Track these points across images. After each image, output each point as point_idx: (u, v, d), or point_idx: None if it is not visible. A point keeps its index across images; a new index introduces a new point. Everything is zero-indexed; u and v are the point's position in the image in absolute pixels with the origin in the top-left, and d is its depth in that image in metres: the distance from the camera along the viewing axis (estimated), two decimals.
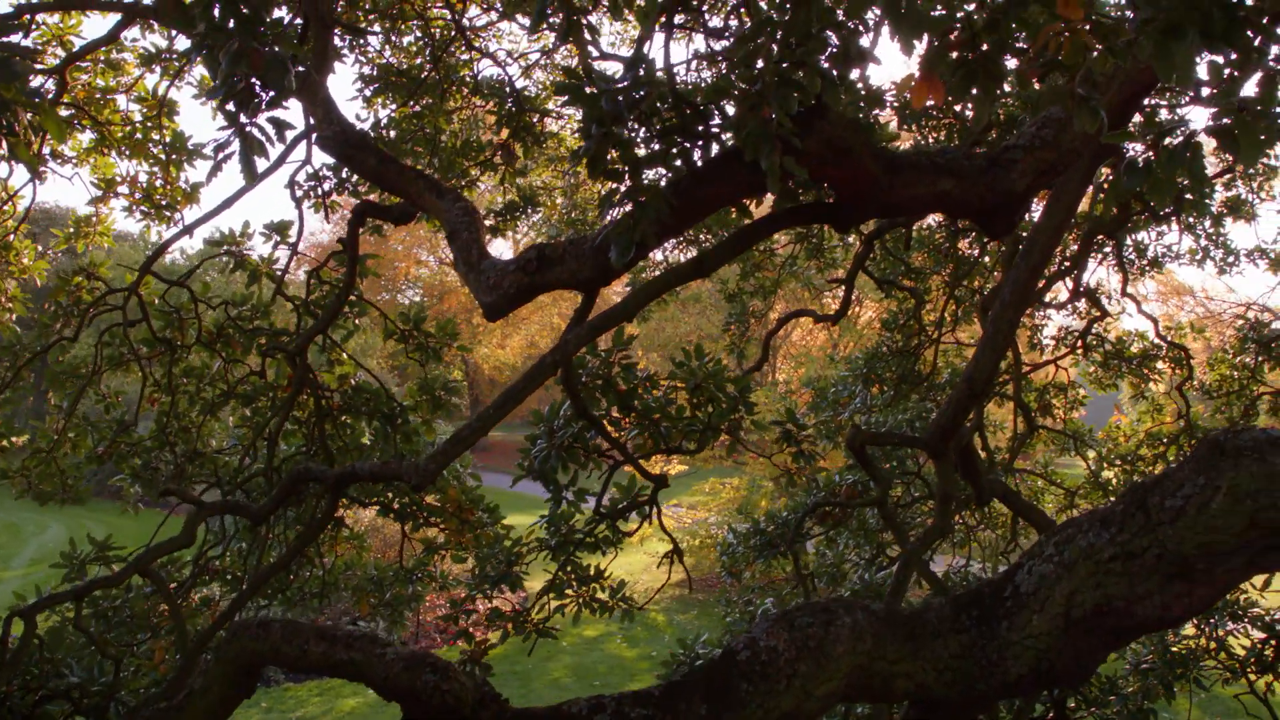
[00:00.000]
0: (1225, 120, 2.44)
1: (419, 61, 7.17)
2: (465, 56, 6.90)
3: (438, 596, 8.20)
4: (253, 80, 2.81)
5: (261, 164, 3.33)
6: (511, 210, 7.03)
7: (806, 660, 2.47)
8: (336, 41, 6.84)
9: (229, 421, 6.32)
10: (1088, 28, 2.42)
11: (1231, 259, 9.84)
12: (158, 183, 6.18)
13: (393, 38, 6.92)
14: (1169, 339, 9.38)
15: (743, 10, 4.47)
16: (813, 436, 5.60)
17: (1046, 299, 9.68)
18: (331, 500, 3.91)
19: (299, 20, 5.03)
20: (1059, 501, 10.91)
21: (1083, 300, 9.40)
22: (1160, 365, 9.92)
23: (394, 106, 6.73)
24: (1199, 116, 2.69)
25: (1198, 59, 2.44)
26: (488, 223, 7.10)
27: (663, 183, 3.91)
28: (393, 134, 6.68)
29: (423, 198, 4.68)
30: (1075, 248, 9.02)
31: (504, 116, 6.48)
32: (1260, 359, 9.36)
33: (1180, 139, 2.44)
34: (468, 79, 6.93)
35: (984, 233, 4.41)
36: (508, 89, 6.50)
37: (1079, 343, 9.88)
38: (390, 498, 6.18)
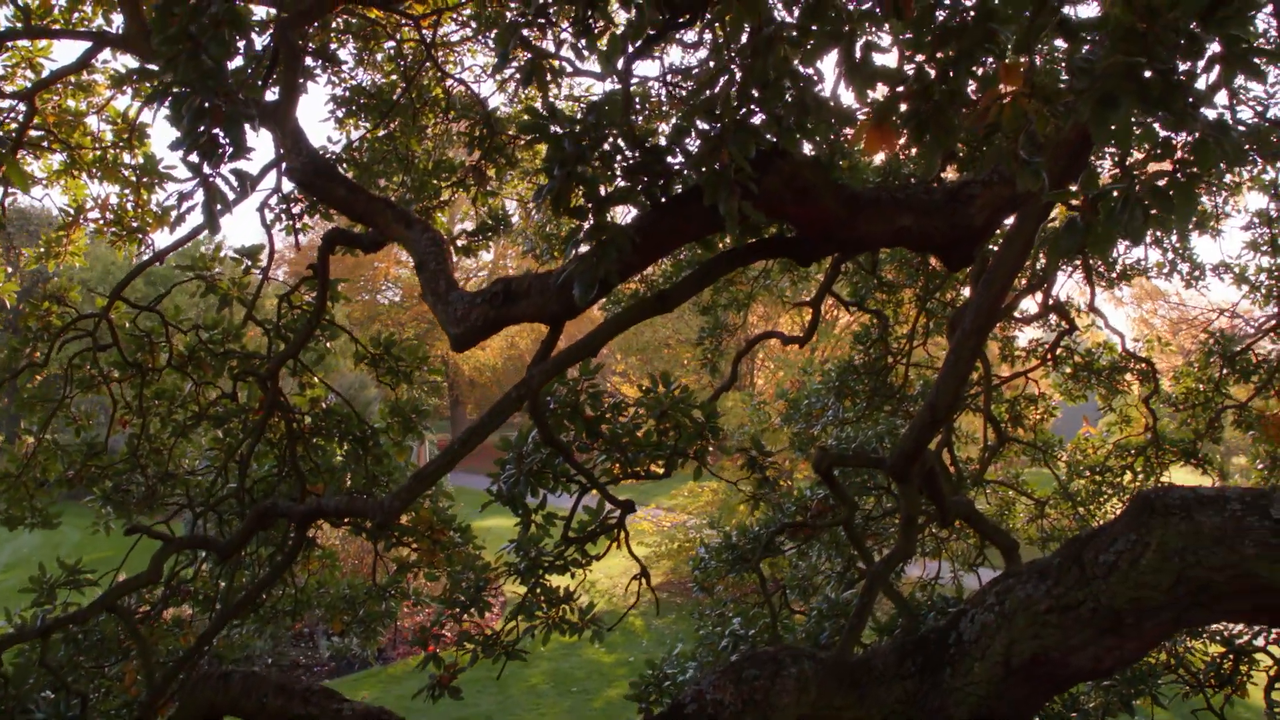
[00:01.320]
0: (1161, 181, 2.51)
1: (393, 78, 7.20)
2: (437, 74, 6.94)
3: (415, 604, 8.23)
4: (216, 131, 2.85)
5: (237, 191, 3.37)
6: (482, 231, 7.08)
7: (752, 713, 2.54)
8: (309, 61, 6.87)
9: (201, 442, 6.33)
10: (1028, 94, 2.49)
11: (1197, 273, 9.99)
12: (129, 205, 6.19)
13: (365, 56, 6.95)
14: (1136, 353, 9.52)
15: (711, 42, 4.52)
16: (777, 462, 5.67)
17: (1016, 313, 9.80)
18: (298, 536, 3.95)
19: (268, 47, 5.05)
20: (1029, 511, 11.05)
21: (1052, 314, 9.52)
22: (1129, 377, 10.06)
23: (366, 128, 6.76)
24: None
25: (1135, 123, 2.52)
26: (459, 242, 7.14)
27: (627, 219, 3.98)
28: (366, 156, 6.71)
29: (391, 227, 4.73)
30: (1044, 261, 9.14)
31: (475, 138, 6.52)
32: (1225, 372, 9.51)
33: (1119, 199, 2.51)
34: (440, 98, 6.97)
35: (944, 265, 4.49)
36: (478, 112, 6.54)
37: (1049, 355, 10.01)
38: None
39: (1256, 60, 2.50)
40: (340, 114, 6.77)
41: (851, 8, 3.12)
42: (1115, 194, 2.50)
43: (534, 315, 4.14)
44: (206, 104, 2.69)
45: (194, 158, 2.87)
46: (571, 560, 5.38)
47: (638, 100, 6.83)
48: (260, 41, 5.85)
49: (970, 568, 9.22)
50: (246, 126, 2.96)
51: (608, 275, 3.74)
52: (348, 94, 6.73)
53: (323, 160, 4.66)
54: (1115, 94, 2.34)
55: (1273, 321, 9.05)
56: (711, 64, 3.23)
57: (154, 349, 5.58)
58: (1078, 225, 2.57)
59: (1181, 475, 10.23)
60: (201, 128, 2.80)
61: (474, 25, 7.02)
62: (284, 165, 4.58)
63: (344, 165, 6.69)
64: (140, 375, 5.63)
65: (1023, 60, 2.46)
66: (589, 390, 4.81)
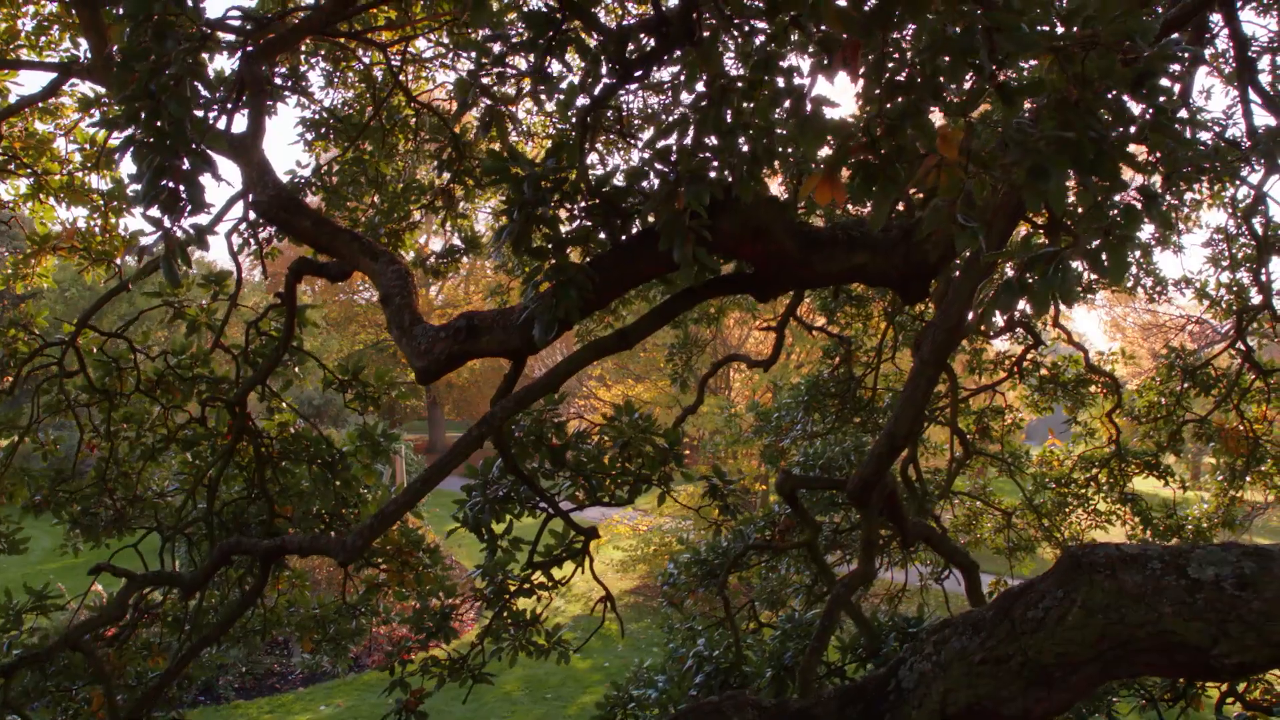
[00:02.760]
0: (1094, 243, 2.61)
1: (364, 99, 7.23)
2: (408, 94, 6.98)
3: (385, 622, 8.29)
4: (177, 186, 2.90)
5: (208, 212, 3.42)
6: (451, 254, 7.13)
7: None
8: (278, 81, 6.89)
9: (171, 464, 6.35)
10: (965, 162, 2.58)
11: (1160, 288, 10.16)
12: (96, 230, 6.20)
13: (334, 78, 6.98)
14: (1098, 367, 9.67)
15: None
16: (738, 490, 5.75)
17: (983, 326, 9.93)
18: (262, 573, 3.99)
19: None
20: (997, 522, 11.21)
21: (1018, 328, 9.66)
22: (1093, 389, 10.20)
23: (335, 152, 6.79)
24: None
25: (1070, 185, 2.62)
26: (429, 262, 7.18)
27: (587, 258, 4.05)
28: (335, 179, 6.74)
29: (357, 259, 4.77)
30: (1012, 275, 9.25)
31: (444, 161, 6.56)
32: (1186, 385, 9.67)
33: (1052, 261, 2.60)
34: (410, 118, 7.02)
35: (901, 299, 4.59)
36: (447, 134, 6.58)
37: (1015, 368, 10.15)
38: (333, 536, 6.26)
39: (1179, 128, 2.60)
40: (310, 137, 6.80)
41: (803, 62, 3.20)
42: (1048, 257, 2.59)
43: (496, 350, 4.20)
44: (167, 163, 2.74)
45: (155, 211, 2.92)
46: (538, 584, 5.45)
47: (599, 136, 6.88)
48: (227, 64, 5.90)
49: (937, 580, 9.35)
50: (207, 177, 3.02)
51: (568, 314, 3.82)
52: (317, 116, 6.76)
53: (288, 193, 4.70)
54: (1046, 166, 2.43)
55: (1231, 335, 9.21)
56: (666, 116, 3.30)
57: (121, 374, 5.60)
58: (1013, 286, 2.66)
59: (1145, 485, 10.39)
60: (163, 183, 2.85)
61: (443, 45, 7.07)
62: (250, 198, 4.61)
63: (314, 188, 6.72)
64: (108, 400, 5.65)
65: (960, 128, 2.54)
66: (553, 420, 4.88)
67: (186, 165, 2.91)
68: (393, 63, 6.58)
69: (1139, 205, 2.60)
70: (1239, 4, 7.61)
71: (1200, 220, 10.10)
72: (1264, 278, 8.63)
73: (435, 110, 6.74)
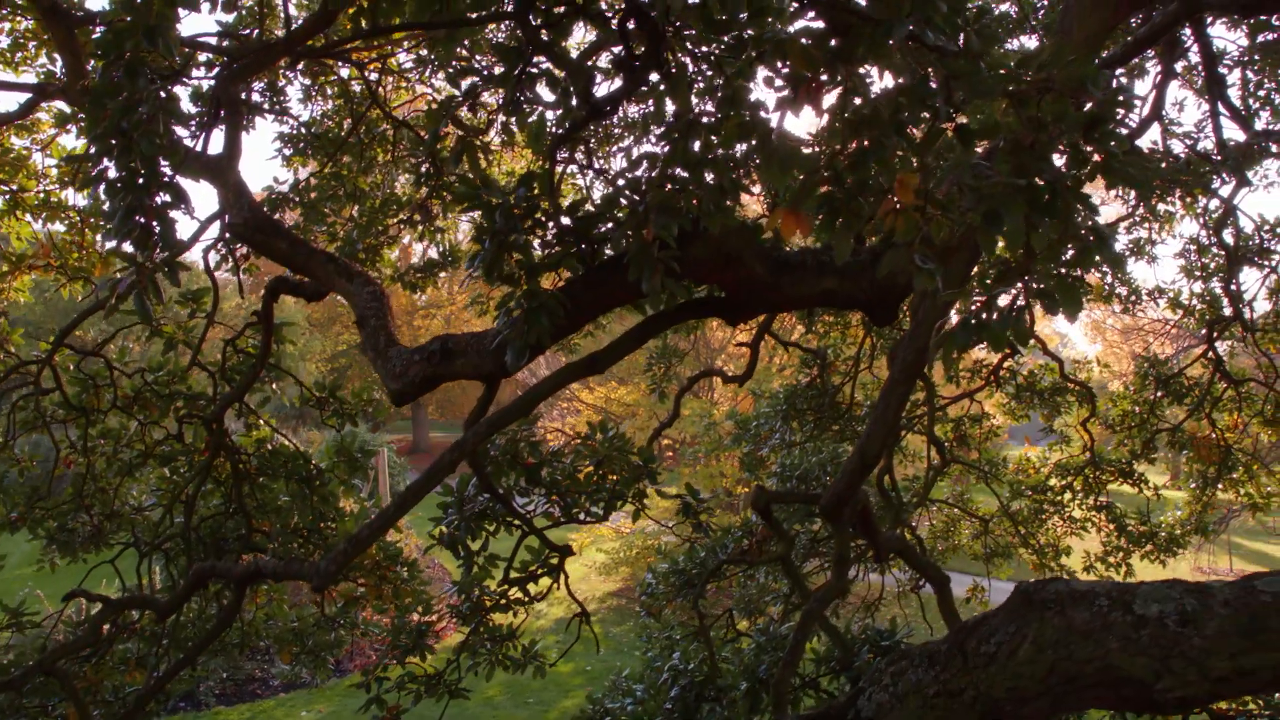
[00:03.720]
0: (1049, 284, 2.67)
1: (341, 112, 7.25)
2: (385, 111, 7.00)
3: (363, 634, 8.31)
4: (149, 223, 2.93)
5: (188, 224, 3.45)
6: (430, 268, 7.16)
7: None
8: (256, 98, 6.91)
9: (149, 480, 6.36)
10: (922, 205, 2.64)
11: (1134, 298, 10.28)
12: (74, 247, 6.20)
13: (313, 91, 7.00)
14: (1072, 377, 9.77)
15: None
16: (711, 507, 5.81)
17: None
18: (236, 596, 4.03)
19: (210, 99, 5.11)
20: (974, 529, 11.31)
21: None
22: (1069, 398, 10.31)
23: (313, 167, 6.81)
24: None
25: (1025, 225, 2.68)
26: (405, 279, 7.21)
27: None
28: (314, 194, 6.75)
29: (333, 281, 4.81)
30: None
31: (422, 176, 6.59)
32: (1159, 394, 9.79)
33: (1009, 301, 2.67)
34: (389, 134, 7.04)
35: (871, 321, 4.66)
36: (423, 151, 6.61)
37: (992, 376, 10.24)
38: (311, 549, 6.30)
39: (1131, 171, 2.67)
40: (288, 152, 6.82)
41: (769, 96, 3.26)
42: (1004, 298, 2.65)
43: (470, 373, 4.25)
44: (137, 201, 2.78)
45: (127, 247, 2.95)
46: (514, 600, 5.50)
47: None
48: (205, 80, 5.92)
49: (914, 588, 9.43)
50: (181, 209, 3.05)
51: (539, 340, 3.87)
52: (295, 131, 6.77)
53: (264, 215, 4.73)
54: (999, 211, 2.50)
55: (1202, 346, 9.33)
56: (634, 151, 3.36)
57: (98, 391, 5.61)
58: (970, 324, 2.72)
59: (1125, 488, 10.49)
60: (135, 219, 2.89)
61: (420, 58, 7.08)
62: (226, 220, 4.64)
63: (291, 203, 6.74)
64: (85, 417, 5.67)
65: (915, 175, 2.61)
66: (528, 440, 4.93)
67: (160, 201, 2.94)
68: (370, 78, 6.61)
69: (1093, 246, 2.67)
70: (1209, 21, 7.72)
71: (1174, 230, 10.22)
72: (1234, 289, 8.75)
73: (411, 126, 6.77)
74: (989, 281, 2.72)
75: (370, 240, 6.98)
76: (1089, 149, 2.68)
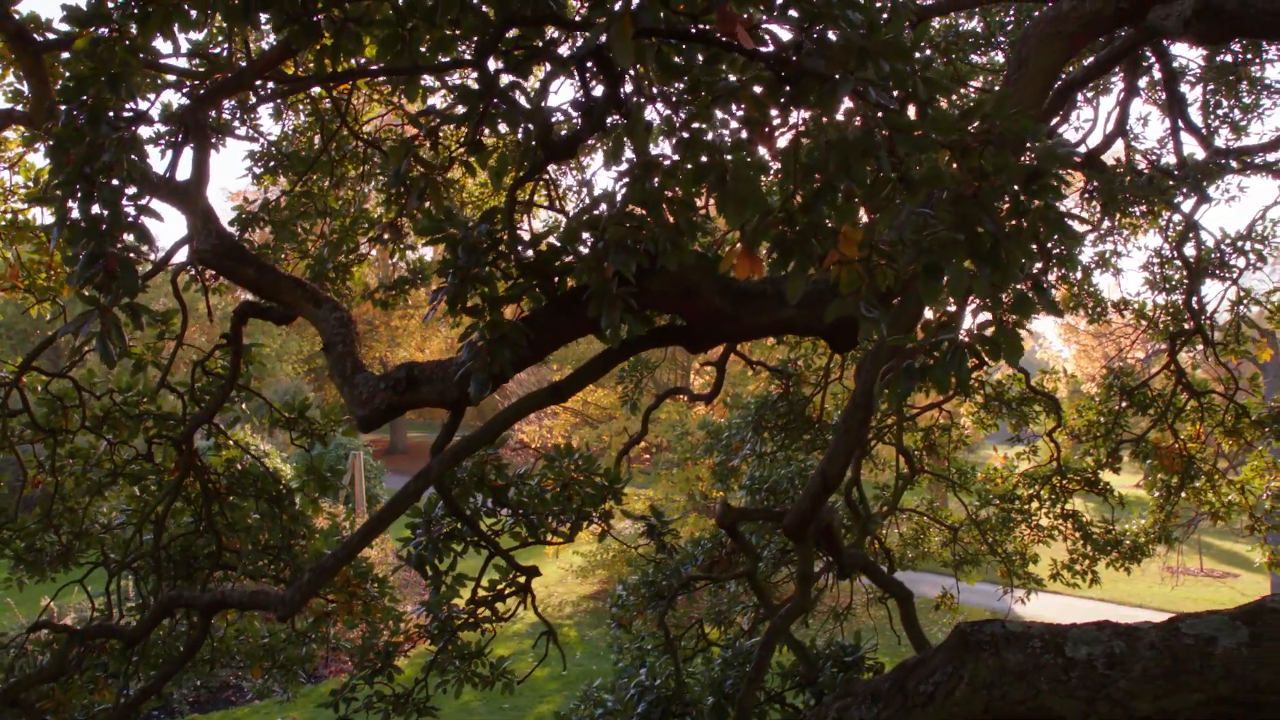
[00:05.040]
0: (989, 330, 2.77)
1: (315, 125, 7.27)
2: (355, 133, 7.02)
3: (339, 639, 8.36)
4: (111, 270, 2.98)
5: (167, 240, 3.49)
6: (400, 285, 7.21)
7: None
8: (225, 115, 6.92)
9: (119, 499, 6.37)
10: (866, 257, 2.73)
11: (1100, 309, 10.43)
12: (41, 267, 6.19)
13: (283, 109, 7.02)
14: (1039, 388, 9.90)
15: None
16: (675, 529, 5.89)
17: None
18: (203, 624, 4.07)
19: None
20: (944, 536, 11.44)
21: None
22: (1036, 408, 10.45)
23: (283, 185, 6.83)
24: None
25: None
26: (376, 296, 7.25)
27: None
28: (285, 213, 6.77)
29: (301, 306, 4.85)
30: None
31: (392, 196, 6.63)
32: (1124, 405, 9.95)
33: (948, 349, 2.76)
34: (359, 150, 7.07)
35: (831, 348, 4.75)
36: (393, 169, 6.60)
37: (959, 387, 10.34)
38: (281, 566, 6.34)
39: (1070, 222, 2.76)
40: (258, 170, 6.84)
41: (725, 139, 3.33)
42: (946, 343, 2.74)
43: (435, 401, 4.31)
44: (99, 250, 2.82)
45: (89, 291, 3.00)
46: (483, 618, 5.56)
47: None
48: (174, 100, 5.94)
49: (881, 599, 9.54)
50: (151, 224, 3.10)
51: (503, 369, 3.94)
52: (266, 149, 6.79)
53: (231, 241, 4.76)
54: (939, 264, 2.58)
55: (1166, 356, 9.48)
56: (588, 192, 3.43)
57: (66, 413, 5.63)
58: (914, 369, 2.81)
59: (1092, 496, 10.64)
60: (98, 265, 2.93)
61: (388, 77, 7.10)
62: (194, 245, 4.68)
63: (262, 222, 6.76)
64: (53, 438, 5.68)
65: (859, 230, 2.69)
66: (494, 463, 4.99)
67: (123, 244, 2.99)
68: (338, 97, 6.63)
69: (1030, 295, 2.76)
70: (1168, 42, 7.86)
71: (1139, 241, 10.42)
72: (1196, 303, 8.90)
73: (380, 147, 6.81)
74: (934, 326, 2.81)
75: (341, 258, 7.02)
76: (1027, 200, 2.78)
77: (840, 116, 2.87)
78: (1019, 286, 2.81)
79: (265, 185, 7.10)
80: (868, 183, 2.86)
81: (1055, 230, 2.78)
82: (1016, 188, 2.77)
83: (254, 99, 6.06)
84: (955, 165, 2.86)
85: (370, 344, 46.06)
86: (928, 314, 4.36)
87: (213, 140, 5.50)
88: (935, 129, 2.79)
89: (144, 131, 4.44)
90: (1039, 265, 3.08)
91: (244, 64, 5.41)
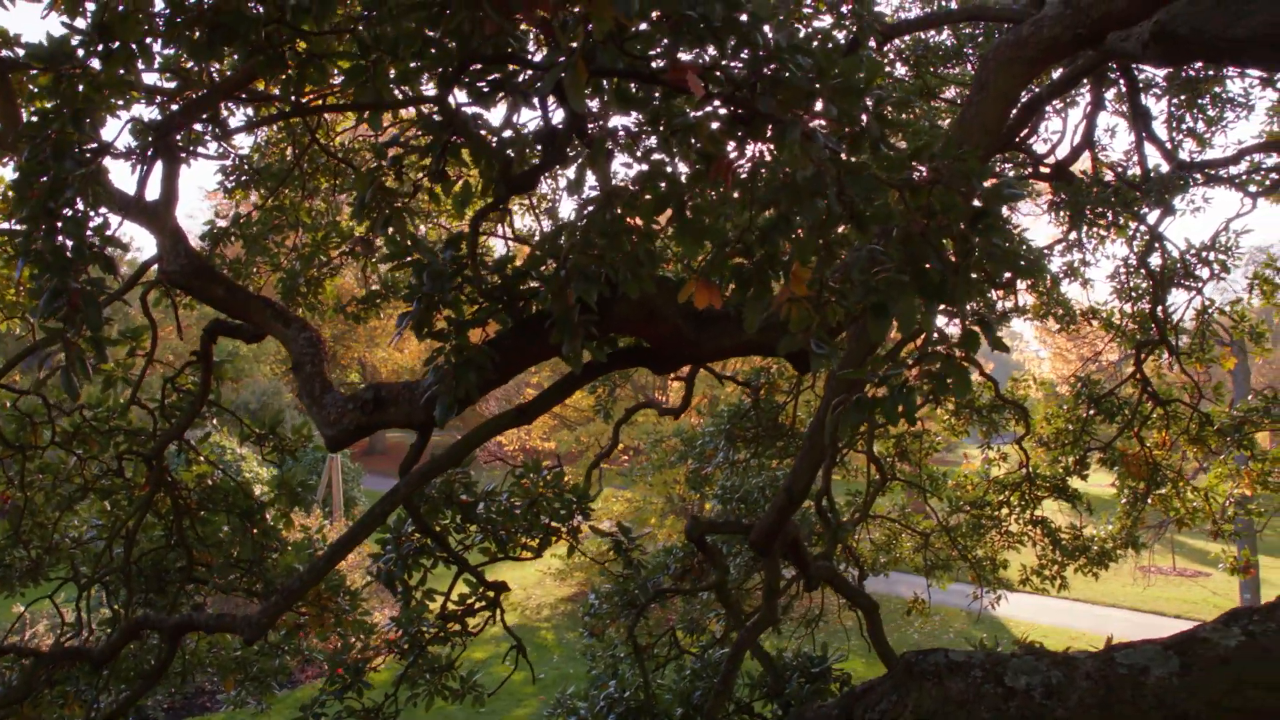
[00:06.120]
0: (937, 365, 2.84)
1: (287, 136, 7.28)
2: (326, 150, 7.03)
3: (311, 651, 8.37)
4: (74, 305, 3.01)
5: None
6: (372, 299, 7.25)
7: None
8: (198, 127, 6.93)
9: (89, 513, 6.38)
10: (816, 295, 2.80)
11: (1068, 318, 10.57)
12: (8, 282, 6.19)
13: (253, 123, 7.03)
14: (1007, 397, 10.03)
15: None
16: (642, 544, 5.96)
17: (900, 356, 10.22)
18: (170, 647, 4.10)
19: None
20: (916, 541, 11.56)
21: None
22: (1008, 414, 10.58)
23: (255, 198, 6.84)
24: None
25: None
26: (349, 310, 7.28)
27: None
28: (256, 228, 6.78)
29: (270, 325, 4.89)
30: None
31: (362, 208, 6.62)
32: (1091, 413, 10.08)
33: (896, 384, 2.84)
34: (330, 163, 7.09)
35: (795, 369, 4.83)
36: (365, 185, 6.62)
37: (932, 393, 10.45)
38: (253, 580, 6.36)
39: (1019, 261, 2.84)
40: (230, 185, 6.84)
41: (683, 167, 3.40)
42: (895, 379, 2.82)
43: (402, 422, 4.36)
44: (62, 286, 2.86)
45: (53, 322, 3.03)
46: (453, 632, 5.61)
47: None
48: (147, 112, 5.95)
49: (849, 609, 9.61)
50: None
51: (468, 392, 3.99)
52: (237, 163, 6.79)
53: (200, 261, 4.80)
54: (885, 304, 2.66)
55: (1132, 367, 9.62)
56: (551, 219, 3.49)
57: (36, 429, 5.64)
58: (862, 403, 2.89)
59: (1053, 508, 10.79)
60: (60, 300, 2.97)
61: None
62: (163, 267, 4.71)
63: (233, 237, 6.78)
64: (22, 454, 5.69)
65: (808, 269, 2.75)
66: (462, 480, 5.04)
67: (85, 279, 3.02)
68: (309, 121, 6.65)
69: (976, 331, 2.84)
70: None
71: (1106, 251, 10.54)
72: (1160, 314, 9.04)
73: (352, 164, 6.84)
74: (882, 361, 2.89)
75: (312, 272, 7.04)
76: (974, 239, 2.85)
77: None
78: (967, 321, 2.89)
79: (237, 199, 7.11)
80: (821, 219, 2.94)
81: (1003, 267, 2.86)
82: (963, 226, 2.85)
83: (226, 113, 6.07)
84: (904, 204, 2.93)
85: (348, 344, 45.90)
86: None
87: (183, 155, 5.51)
88: (885, 169, 2.86)
89: (118, 142, 4.47)
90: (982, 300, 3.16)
91: (216, 78, 5.43)
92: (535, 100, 3.50)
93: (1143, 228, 9.20)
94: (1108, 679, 2.44)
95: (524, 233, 7.77)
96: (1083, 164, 9.74)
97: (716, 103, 3.11)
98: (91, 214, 3.05)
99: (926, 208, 2.91)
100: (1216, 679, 2.43)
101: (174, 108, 5.40)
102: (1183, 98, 8.84)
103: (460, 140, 3.31)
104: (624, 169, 3.69)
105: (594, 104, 3.62)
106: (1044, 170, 9.49)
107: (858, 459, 12.62)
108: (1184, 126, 9.00)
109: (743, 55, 2.94)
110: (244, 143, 7.21)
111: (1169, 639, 2.61)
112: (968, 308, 2.86)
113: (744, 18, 2.72)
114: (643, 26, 2.95)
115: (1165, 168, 8.88)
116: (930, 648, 2.66)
